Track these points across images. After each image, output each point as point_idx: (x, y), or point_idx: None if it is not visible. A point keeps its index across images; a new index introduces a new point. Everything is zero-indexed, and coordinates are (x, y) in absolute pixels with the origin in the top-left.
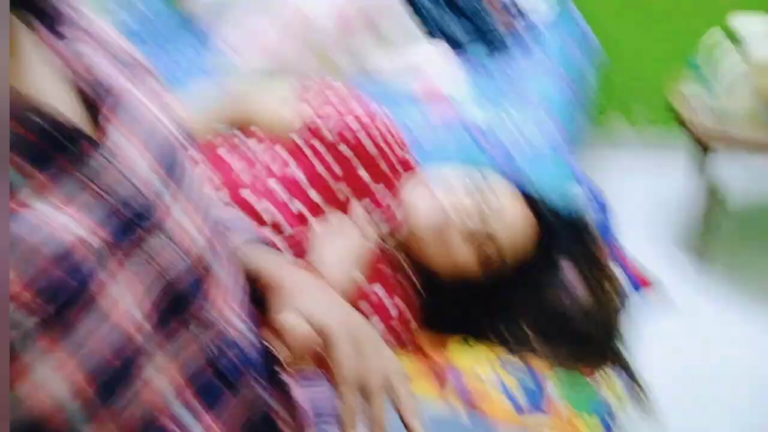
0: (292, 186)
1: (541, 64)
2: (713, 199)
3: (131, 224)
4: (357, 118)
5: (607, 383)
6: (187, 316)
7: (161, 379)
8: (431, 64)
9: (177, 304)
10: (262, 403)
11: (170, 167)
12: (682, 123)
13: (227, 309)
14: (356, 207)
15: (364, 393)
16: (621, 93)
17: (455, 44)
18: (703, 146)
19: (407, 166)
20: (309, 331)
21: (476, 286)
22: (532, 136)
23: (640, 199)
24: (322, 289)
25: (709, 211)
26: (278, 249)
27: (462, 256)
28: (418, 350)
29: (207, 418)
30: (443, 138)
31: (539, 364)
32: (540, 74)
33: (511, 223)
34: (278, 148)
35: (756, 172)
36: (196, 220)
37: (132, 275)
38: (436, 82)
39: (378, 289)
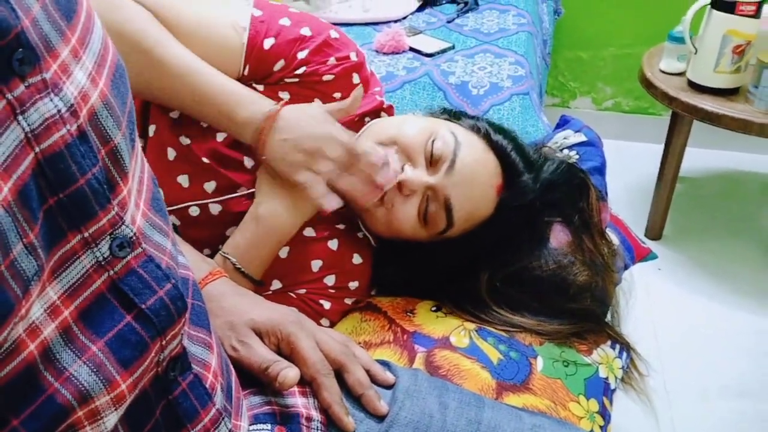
0: None
1: (514, 21)
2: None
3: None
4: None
5: (606, 363)
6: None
7: (45, 321)
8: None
9: (72, 206)
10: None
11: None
12: (656, 98)
13: (139, 213)
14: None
15: (336, 365)
16: (590, 76)
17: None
18: (675, 124)
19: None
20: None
21: (423, 248)
22: (502, 82)
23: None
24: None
25: (671, 194)
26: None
27: (402, 212)
28: (380, 314)
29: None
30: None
31: (527, 337)
32: (512, 31)
33: (467, 170)
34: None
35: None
36: (107, 97)
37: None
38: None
39: (331, 243)
